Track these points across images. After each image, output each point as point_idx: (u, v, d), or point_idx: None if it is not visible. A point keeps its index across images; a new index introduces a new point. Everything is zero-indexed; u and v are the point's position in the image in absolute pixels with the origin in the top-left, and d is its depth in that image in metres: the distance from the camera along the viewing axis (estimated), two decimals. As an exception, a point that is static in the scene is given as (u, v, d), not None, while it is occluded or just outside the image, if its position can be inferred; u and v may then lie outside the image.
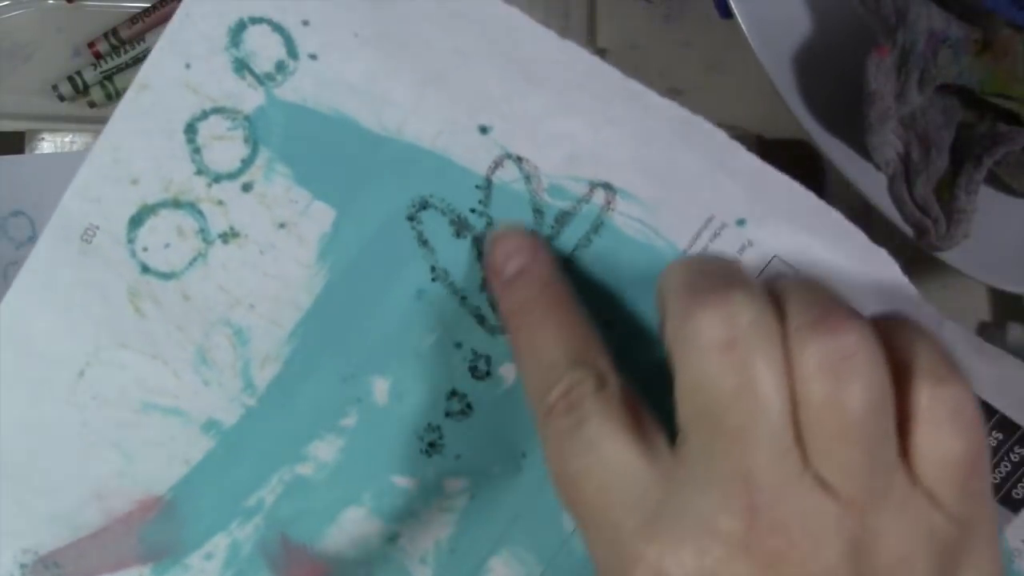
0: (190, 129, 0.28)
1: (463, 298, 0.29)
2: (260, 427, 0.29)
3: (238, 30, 0.28)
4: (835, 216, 0.29)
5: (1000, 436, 0.29)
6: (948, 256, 0.41)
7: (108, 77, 0.49)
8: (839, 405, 0.22)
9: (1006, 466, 0.29)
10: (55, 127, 0.50)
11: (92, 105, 0.49)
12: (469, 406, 0.29)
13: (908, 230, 0.41)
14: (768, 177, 0.28)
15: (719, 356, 0.22)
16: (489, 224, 0.29)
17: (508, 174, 0.28)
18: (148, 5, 0.50)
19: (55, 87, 0.49)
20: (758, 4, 0.39)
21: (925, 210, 0.40)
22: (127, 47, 0.49)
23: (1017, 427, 0.29)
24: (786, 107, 0.39)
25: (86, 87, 0.49)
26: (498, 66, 0.28)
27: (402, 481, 0.29)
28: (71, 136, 0.50)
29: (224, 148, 0.28)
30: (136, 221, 0.28)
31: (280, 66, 0.28)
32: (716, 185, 0.28)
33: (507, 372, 0.29)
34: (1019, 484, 0.29)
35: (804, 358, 0.22)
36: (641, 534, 0.23)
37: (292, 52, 0.28)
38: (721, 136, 0.28)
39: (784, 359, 0.23)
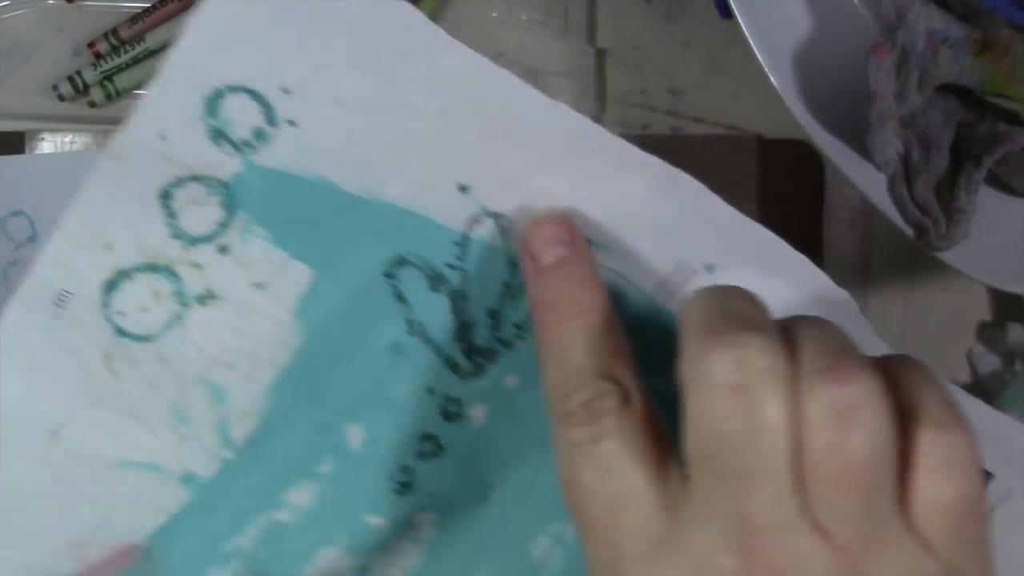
0: (165, 195, 0.28)
1: (437, 348, 0.29)
2: (238, 478, 0.29)
3: (215, 99, 0.28)
4: (802, 260, 0.29)
5: None
6: (948, 256, 0.41)
7: (108, 77, 0.49)
8: (841, 454, 0.23)
9: None
10: (55, 127, 0.50)
11: (92, 105, 0.49)
12: (440, 447, 0.29)
13: (908, 230, 0.41)
14: (741, 225, 0.29)
15: (729, 398, 0.23)
16: (465, 278, 0.29)
17: (485, 229, 0.29)
18: (148, 5, 0.50)
19: (55, 87, 0.49)
20: (758, 4, 0.39)
21: (925, 210, 0.40)
22: (127, 47, 0.49)
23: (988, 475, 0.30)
24: (786, 107, 0.39)
25: (86, 87, 0.49)
26: (482, 127, 0.29)
27: (375, 520, 0.29)
28: (71, 136, 0.50)
29: (200, 212, 0.29)
30: (111, 285, 0.29)
31: (258, 133, 0.28)
32: (690, 234, 0.29)
33: (477, 413, 0.30)
34: None
35: (811, 405, 0.23)
36: (641, 561, 0.24)
37: (271, 120, 0.28)
38: (700, 189, 0.29)
39: (793, 404, 0.23)
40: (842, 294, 0.29)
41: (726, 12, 0.39)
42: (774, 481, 0.23)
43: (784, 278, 0.29)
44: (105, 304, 0.29)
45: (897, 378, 0.24)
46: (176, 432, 0.29)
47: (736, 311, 0.24)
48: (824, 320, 0.25)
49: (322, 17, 0.28)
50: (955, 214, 0.40)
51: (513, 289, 0.29)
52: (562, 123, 0.29)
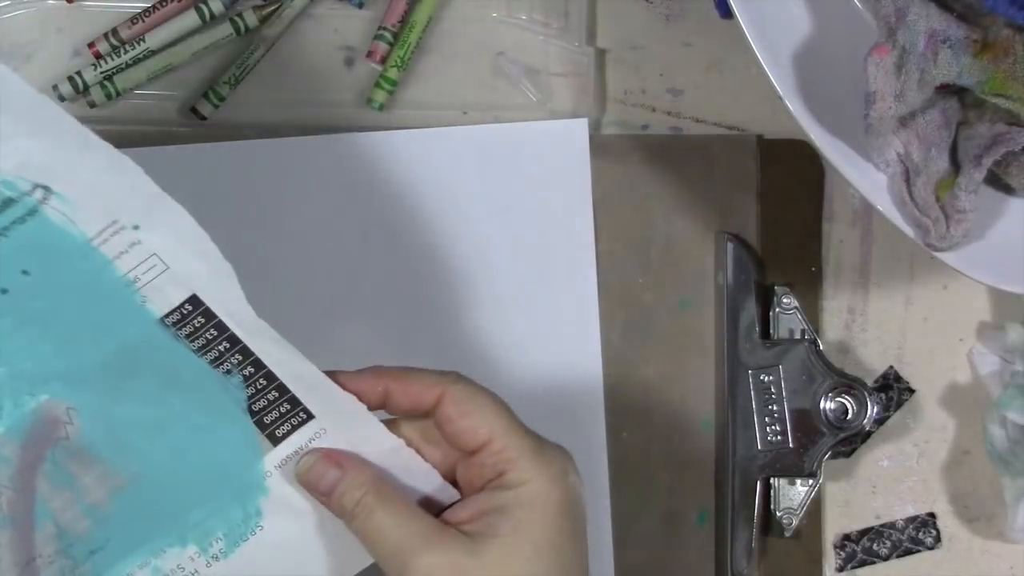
0: None
1: None
2: None
3: None
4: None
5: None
6: (948, 256, 0.41)
7: (108, 77, 0.49)
8: None
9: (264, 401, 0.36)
10: (55, 127, 0.50)
11: (92, 105, 0.49)
12: None
13: (908, 230, 0.41)
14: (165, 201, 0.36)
15: None
16: None
17: None
18: (148, 5, 0.50)
19: (55, 87, 0.49)
20: (758, 4, 0.39)
21: (925, 210, 0.40)
22: (127, 47, 0.49)
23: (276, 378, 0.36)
24: (786, 107, 0.39)
25: (86, 87, 0.49)
26: None
27: None
28: (71, 136, 0.50)
29: None
30: None
31: None
32: (126, 201, 0.36)
33: None
34: (281, 424, 0.36)
35: None
36: None
37: None
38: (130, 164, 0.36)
39: None
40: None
41: (726, 12, 0.39)
42: None
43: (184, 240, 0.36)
44: None
45: None
46: None
47: None
48: None
49: None
50: (955, 214, 0.40)
51: None
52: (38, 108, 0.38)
